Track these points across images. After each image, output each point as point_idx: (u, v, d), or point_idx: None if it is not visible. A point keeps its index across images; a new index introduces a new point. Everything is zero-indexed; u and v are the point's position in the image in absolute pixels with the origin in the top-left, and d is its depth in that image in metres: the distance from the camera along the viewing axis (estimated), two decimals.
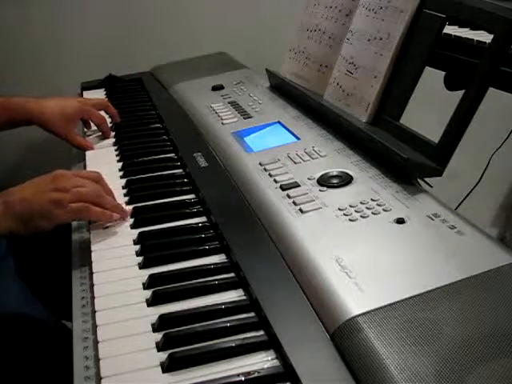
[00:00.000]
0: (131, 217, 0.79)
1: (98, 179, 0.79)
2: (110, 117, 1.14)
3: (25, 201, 0.71)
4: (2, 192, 0.73)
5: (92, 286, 0.66)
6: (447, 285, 0.54)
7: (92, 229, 0.77)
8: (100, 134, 1.11)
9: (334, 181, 0.75)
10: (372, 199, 0.69)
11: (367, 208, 0.68)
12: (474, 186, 1.52)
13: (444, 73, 1.13)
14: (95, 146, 1.06)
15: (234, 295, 0.63)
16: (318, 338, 0.53)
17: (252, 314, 0.59)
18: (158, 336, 0.57)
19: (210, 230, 0.75)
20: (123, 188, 0.88)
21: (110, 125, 1.12)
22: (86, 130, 1.14)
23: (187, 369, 0.54)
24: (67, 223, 0.78)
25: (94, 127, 1.13)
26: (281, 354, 0.53)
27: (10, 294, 0.82)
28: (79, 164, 1.02)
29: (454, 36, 1.09)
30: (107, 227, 0.77)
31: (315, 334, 0.54)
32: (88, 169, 0.97)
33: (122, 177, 0.93)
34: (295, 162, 0.82)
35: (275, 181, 0.78)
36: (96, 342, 0.57)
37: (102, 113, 1.12)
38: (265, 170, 0.81)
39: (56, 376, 0.74)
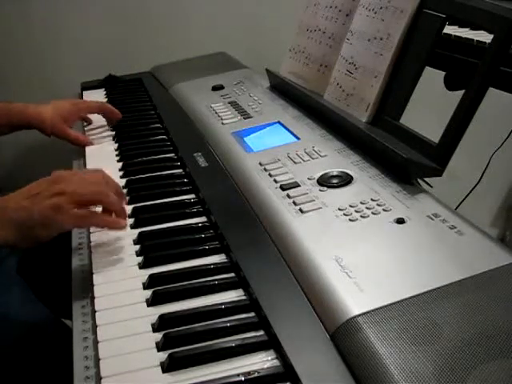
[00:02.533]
0: (131, 217, 0.79)
1: (100, 178, 0.72)
2: (110, 118, 1.14)
3: (23, 209, 0.65)
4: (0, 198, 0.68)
5: (92, 286, 0.66)
6: (447, 285, 0.54)
7: (92, 229, 0.77)
8: (99, 133, 1.11)
9: (334, 181, 0.75)
10: (372, 199, 0.69)
11: (367, 208, 0.68)
12: (474, 186, 1.52)
13: (444, 73, 1.13)
14: (95, 147, 1.06)
15: (233, 295, 0.63)
16: (318, 337, 0.53)
17: (252, 314, 0.59)
18: (158, 336, 0.57)
19: (210, 230, 0.75)
20: (123, 188, 0.88)
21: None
22: (85, 127, 1.15)
23: (187, 369, 0.54)
24: (70, 230, 0.76)
25: (92, 125, 1.14)
26: (281, 354, 0.53)
27: (11, 293, 0.82)
28: (79, 162, 1.02)
29: (454, 36, 1.09)
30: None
31: (315, 333, 0.54)
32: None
33: (122, 177, 0.93)
34: (295, 162, 0.82)
35: (275, 181, 0.77)
36: (96, 342, 0.57)
37: (100, 117, 1.13)
38: (265, 169, 0.81)
39: (56, 376, 0.74)
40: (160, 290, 0.63)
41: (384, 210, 0.67)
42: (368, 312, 0.52)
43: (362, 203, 0.69)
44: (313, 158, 0.82)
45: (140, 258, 0.70)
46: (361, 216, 0.67)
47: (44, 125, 1.04)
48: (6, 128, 1.06)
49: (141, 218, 0.79)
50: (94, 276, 0.67)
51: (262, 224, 0.72)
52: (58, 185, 0.68)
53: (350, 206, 0.68)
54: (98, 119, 1.16)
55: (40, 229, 0.66)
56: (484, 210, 2.00)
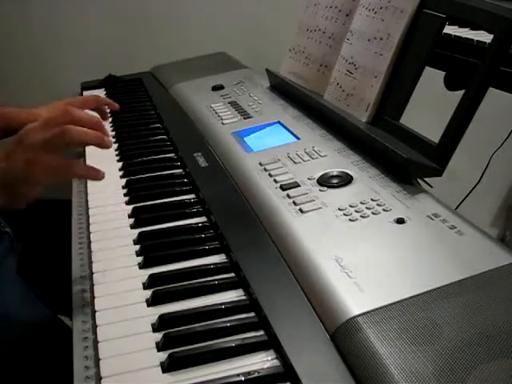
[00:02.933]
0: (131, 217, 0.80)
1: (63, 115, 0.68)
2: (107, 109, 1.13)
3: (1, 170, 0.65)
4: None
5: (92, 285, 0.66)
6: (447, 285, 0.54)
7: (92, 229, 0.77)
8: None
9: (334, 181, 0.75)
10: (372, 199, 0.69)
11: (367, 208, 0.68)
12: (474, 186, 1.52)
13: (444, 73, 1.13)
14: (95, 147, 1.06)
15: (233, 295, 0.63)
16: (318, 337, 0.53)
17: (252, 314, 0.59)
18: (158, 336, 0.57)
19: (210, 230, 0.75)
20: (123, 188, 0.88)
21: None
22: None
23: (187, 369, 0.53)
24: (56, 183, 0.71)
25: None
26: (281, 354, 0.53)
27: (11, 293, 0.82)
28: (78, 162, 1.02)
29: (454, 36, 1.09)
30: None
31: (315, 333, 0.54)
32: None
33: (122, 177, 0.93)
34: (295, 162, 0.82)
35: (275, 181, 0.78)
36: (96, 342, 0.57)
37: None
38: (265, 169, 0.81)
39: (56, 376, 0.74)
40: (160, 290, 0.63)
41: (384, 209, 0.67)
42: (368, 312, 0.52)
43: (362, 203, 0.69)
44: (313, 158, 0.82)
45: (140, 258, 0.70)
46: (361, 216, 0.67)
47: None
48: (3, 132, 1.06)
49: (141, 217, 0.78)
50: (94, 276, 0.67)
51: (262, 224, 0.72)
52: (25, 140, 0.66)
53: (350, 206, 0.68)
54: None
55: (23, 187, 0.65)
56: (484, 210, 2.00)
